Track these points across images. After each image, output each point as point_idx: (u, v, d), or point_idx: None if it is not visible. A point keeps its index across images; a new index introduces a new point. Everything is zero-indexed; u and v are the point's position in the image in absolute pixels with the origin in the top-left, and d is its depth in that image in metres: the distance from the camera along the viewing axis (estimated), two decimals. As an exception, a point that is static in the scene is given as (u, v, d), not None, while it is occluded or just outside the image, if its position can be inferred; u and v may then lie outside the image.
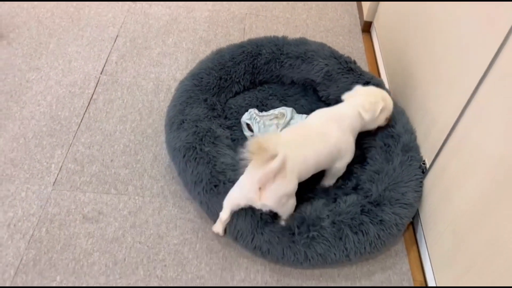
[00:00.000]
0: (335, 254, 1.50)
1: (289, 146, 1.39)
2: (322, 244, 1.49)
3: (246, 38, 2.52)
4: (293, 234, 1.50)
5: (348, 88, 1.89)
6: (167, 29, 2.53)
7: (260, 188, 1.36)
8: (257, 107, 1.92)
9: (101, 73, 2.24)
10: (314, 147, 1.52)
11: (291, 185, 1.42)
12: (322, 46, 2.05)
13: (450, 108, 1.50)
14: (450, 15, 1.57)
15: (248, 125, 1.82)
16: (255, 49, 2.02)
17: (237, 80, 1.97)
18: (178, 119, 1.76)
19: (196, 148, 1.67)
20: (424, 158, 1.69)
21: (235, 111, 1.91)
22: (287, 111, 1.84)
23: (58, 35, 2.43)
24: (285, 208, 1.46)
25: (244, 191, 1.42)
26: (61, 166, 1.84)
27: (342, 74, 1.93)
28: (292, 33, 2.60)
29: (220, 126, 1.80)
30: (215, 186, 1.56)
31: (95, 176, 1.82)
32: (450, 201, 1.46)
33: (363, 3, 2.68)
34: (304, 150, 1.49)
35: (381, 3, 2.46)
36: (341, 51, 2.46)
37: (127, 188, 1.79)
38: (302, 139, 1.53)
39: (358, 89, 1.73)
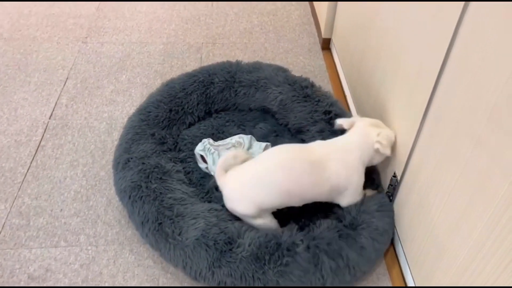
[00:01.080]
0: (311, 282, 1.35)
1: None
2: (296, 272, 1.34)
3: (203, 64, 2.42)
4: (264, 263, 1.35)
5: (307, 117, 1.79)
6: (120, 66, 2.43)
7: None
8: (212, 135, 1.80)
9: (49, 118, 2.10)
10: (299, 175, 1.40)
11: (244, 210, 1.41)
12: (276, 71, 1.95)
13: (409, 117, 1.40)
14: (401, 22, 1.49)
15: (202, 156, 1.69)
16: (207, 78, 1.91)
17: (190, 111, 1.85)
18: (123, 158, 1.63)
19: (141, 186, 1.53)
20: (394, 170, 1.57)
21: (189, 142, 1.78)
22: (244, 139, 1.72)
23: (3, 83, 2.30)
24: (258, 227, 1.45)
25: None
26: (4, 223, 1.67)
27: (298, 102, 1.83)
28: (251, 58, 2.52)
29: (171, 160, 1.67)
30: (160, 224, 1.42)
31: (42, 229, 1.65)
32: (425, 212, 1.33)
33: (321, 21, 2.63)
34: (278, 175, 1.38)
35: (337, 17, 2.40)
36: (302, 71, 2.41)
37: (78, 239, 1.63)
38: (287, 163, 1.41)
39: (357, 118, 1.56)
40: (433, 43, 1.25)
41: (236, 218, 1.51)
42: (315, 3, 2.79)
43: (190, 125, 1.87)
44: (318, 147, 1.48)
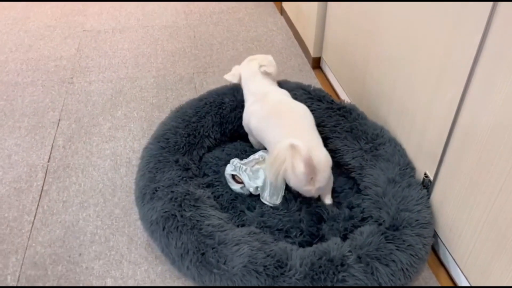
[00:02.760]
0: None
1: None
2: (354, 285, 1.29)
3: (199, 93, 2.39)
4: (321, 284, 1.28)
5: (322, 115, 1.80)
6: (113, 103, 2.35)
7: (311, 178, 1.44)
8: (237, 156, 1.74)
9: (48, 161, 1.98)
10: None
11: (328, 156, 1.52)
12: (285, 81, 1.96)
13: (439, 117, 1.42)
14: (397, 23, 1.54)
15: (233, 177, 1.63)
16: (217, 98, 1.88)
17: (206, 134, 1.80)
18: (150, 188, 1.54)
19: (176, 216, 1.45)
20: (425, 170, 1.58)
21: (214, 165, 1.72)
22: (264, 153, 1.68)
23: (-9, 131, 2.16)
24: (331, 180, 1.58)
25: (300, 186, 1.48)
26: (19, 276, 1.52)
27: (312, 103, 1.84)
28: (245, 83, 2.51)
29: (199, 186, 1.60)
30: (202, 254, 1.33)
31: (63, 278, 1.52)
32: (470, 206, 1.33)
33: (308, 42, 2.68)
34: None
35: (326, 36, 2.45)
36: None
37: (105, 282, 1.50)
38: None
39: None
40: (463, 34, 1.28)
41: (276, 238, 1.45)
42: (299, 26, 2.85)
43: (209, 148, 1.81)
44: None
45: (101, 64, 2.68)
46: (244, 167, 1.61)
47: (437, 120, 1.45)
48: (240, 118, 1.88)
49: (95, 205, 1.78)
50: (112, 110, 2.30)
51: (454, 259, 1.46)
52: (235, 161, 1.65)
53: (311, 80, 2.55)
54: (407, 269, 1.34)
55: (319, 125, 1.83)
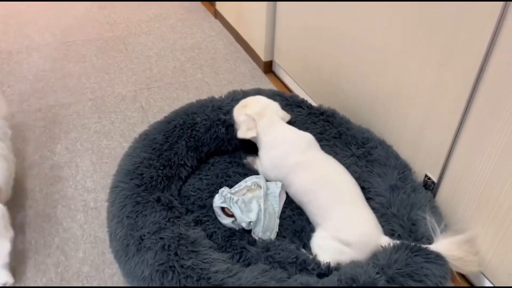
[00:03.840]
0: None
1: None
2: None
3: (149, 116, 2.13)
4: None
5: (306, 122, 1.67)
6: (49, 136, 1.99)
7: None
8: (221, 184, 1.53)
9: (-19, 219, 1.60)
10: None
11: None
12: (259, 90, 1.80)
13: (442, 117, 1.35)
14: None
15: (223, 209, 1.42)
16: (187, 119, 1.65)
17: (182, 162, 1.56)
18: (133, 237, 1.28)
19: (175, 267, 1.21)
20: (425, 172, 1.50)
21: (197, 198, 1.49)
22: (261, 180, 1.49)
23: None
24: None
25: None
26: None
27: (292, 110, 1.73)
28: (197, 96, 2.29)
29: (189, 226, 1.37)
30: (217, 308, 1.13)
31: None
32: (487, 200, 1.27)
33: (256, 45, 2.52)
34: None
35: (278, 38, 2.32)
36: None
37: None
38: None
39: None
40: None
41: (290, 274, 1.29)
42: (242, 29, 2.68)
43: (186, 178, 1.57)
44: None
45: (22, 90, 2.28)
46: (235, 198, 1.41)
47: (441, 117, 1.38)
48: (217, 138, 1.68)
49: (55, 266, 1.46)
50: (49, 144, 1.94)
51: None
52: (224, 191, 1.44)
53: (266, 85, 2.40)
54: (440, 281, 1.25)
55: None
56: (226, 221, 1.41)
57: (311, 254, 1.37)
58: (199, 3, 3.25)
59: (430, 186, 1.49)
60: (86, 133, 2.02)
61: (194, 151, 1.63)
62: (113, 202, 1.41)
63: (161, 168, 1.49)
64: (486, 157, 1.25)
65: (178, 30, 2.90)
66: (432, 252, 1.29)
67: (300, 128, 1.67)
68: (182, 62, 2.57)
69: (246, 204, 1.42)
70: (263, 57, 2.45)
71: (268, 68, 2.49)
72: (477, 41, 1.19)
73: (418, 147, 1.52)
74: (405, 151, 1.57)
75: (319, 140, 1.67)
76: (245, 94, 1.78)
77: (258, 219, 1.40)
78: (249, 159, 1.67)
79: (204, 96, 2.26)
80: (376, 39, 1.59)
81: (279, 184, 1.52)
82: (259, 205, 1.43)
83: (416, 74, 1.44)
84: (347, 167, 1.59)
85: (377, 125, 1.69)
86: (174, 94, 2.30)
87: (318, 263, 1.35)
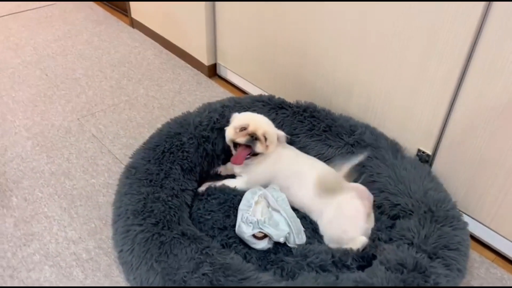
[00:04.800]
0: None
1: None
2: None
3: (106, 144, 1.93)
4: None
5: (293, 122, 1.68)
6: (-5, 190, 1.70)
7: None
8: (230, 201, 1.45)
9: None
10: None
11: None
12: (240, 98, 1.75)
13: (434, 91, 1.45)
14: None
15: (253, 235, 1.35)
16: (174, 141, 1.55)
17: (183, 187, 1.46)
18: (174, 282, 1.17)
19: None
20: (418, 147, 1.60)
21: (215, 221, 1.40)
22: (263, 190, 1.45)
23: None
24: None
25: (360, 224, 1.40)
26: None
27: (276, 112, 1.72)
28: (150, 112, 2.14)
29: (222, 253, 1.28)
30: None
31: None
32: (488, 161, 1.41)
33: (196, 50, 2.42)
34: None
35: (221, 40, 2.25)
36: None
37: None
38: None
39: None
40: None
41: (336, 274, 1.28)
42: (172, 36, 2.54)
43: (192, 204, 1.46)
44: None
45: None
46: (262, 220, 1.35)
47: (430, 91, 1.47)
48: (207, 155, 1.59)
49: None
50: (1, 200, 1.65)
51: (477, 220, 1.53)
52: (247, 217, 1.35)
53: (215, 90, 2.32)
54: (468, 244, 1.35)
55: (293, 134, 1.68)
56: (262, 245, 1.36)
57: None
58: (107, 14, 3.01)
59: (425, 159, 1.59)
60: (40, 177, 1.76)
61: (190, 173, 1.52)
62: (131, 250, 1.26)
63: (169, 199, 1.36)
64: (484, 122, 1.37)
65: (97, 45, 2.65)
66: (453, 218, 1.38)
67: (289, 128, 1.67)
68: (117, 79, 2.36)
69: (271, 219, 1.37)
70: (206, 61, 2.36)
71: (212, 72, 2.41)
72: None
73: (407, 124, 1.60)
74: (393, 130, 1.65)
75: (310, 136, 1.68)
76: (222, 105, 1.70)
77: (289, 227, 1.37)
78: (222, 168, 1.64)
79: (157, 112, 2.13)
80: (354, 22, 1.62)
81: (276, 187, 1.50)
82: (282, 215, 1.39)
83: (399, 53, 1.51)
84: (345, 156, 1.63)
85: (358, 111, 1.74)
86: (123, 115, 2.11)
87: (353, 257, 1.37)
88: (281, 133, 1.54)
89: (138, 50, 2.62)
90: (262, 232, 1.35)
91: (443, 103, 1.45)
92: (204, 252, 1.24)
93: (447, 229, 1.35)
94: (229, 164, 1.66)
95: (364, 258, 1.37)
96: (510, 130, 1.32)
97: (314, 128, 1.68)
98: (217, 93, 2.31)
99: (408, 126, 1.60)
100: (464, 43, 1.32)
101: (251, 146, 1.46)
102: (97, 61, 2.50)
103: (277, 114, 1.69)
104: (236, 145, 1.50)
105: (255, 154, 1.49)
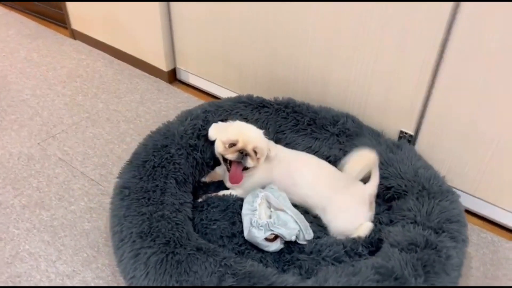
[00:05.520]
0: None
1: None
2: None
3: (77, 166, 1.80)
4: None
5: (278, 120, 1.69)
6: (-39, 234, 1.52)
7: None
8: (232, 206, 1.42)
9: None
10: None
11: None
12: (223, 101, 1.70)
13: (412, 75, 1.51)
14: None
15: (267, 238, 1.33)
16: (162, 154, 1.48)
17: (181, 201, 1.39)
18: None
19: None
20: (399, 129, 1.66)
21: (222, 230, 1.35)
22: (263, 192, 1.43)
23: None
24: None
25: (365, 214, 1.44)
26: None
27: (259, 112, 1.70)
28: (116, 129, 2.02)
29: (240, 262, 1.24)
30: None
31: None
32: (471, 133, 1.49)
33: (152, 57, 2.32)
34: None
35: (179, 43, 2.18)
36: (173, 111, 2.12)
37: None
38: None
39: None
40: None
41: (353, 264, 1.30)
42: (122, 44, 2.42)
43: (190, 219, 1.40)
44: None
45: None
46: (272, 221, 1.33)
47: (409, 76, 1.53)
48: (197, 164, 1.54)
49: None
50: (-29, 244, 1.49)
51: (462, 191, 1.62)
52: (255, 221, 1.33)
53: (179, 96, 2.25)
54: (464, 214, 1.42)
55: (278, 131, 1.67)
56: (275, 246, 1.34)
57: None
58: (41, 27, 2.79)
59: (408, 140, 1.65)
60: (12, 212, 1.60)
61: (184, 185, 1.47)
62: (145, 274, 1.18)
63: (173, 215, 1.30)
64: (465, 98, 1.45)
65: (38, 62, 2.46)
66: (448, 192, 1.45)
67: (274, 126, 1.66)
68: (71, 96, 2.21)
69: (279, 220, 1.35)
70: (165, 67, 2.28)
71: (172, 77, 2.33)
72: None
73: (387, 109, 1.65)
74: (373, 116, 1.70)
75: (296, 131, 1.68)
76: (204, 110, 1.65)
77: (298, 225, 1.36)
78: (207, 177, 1.61)
79: (123, 125, 2.02)
80: (325, 12, 1.63)
81: (274, 186, 1.48)
82: (288, 213, 1.38)
83: (374, 37, 1.54)
84: (331, 146, 1.65)
85: (336, 100, 1.77)
86: (87, 133, 1.98)
87: (362, 244, 1.39)
88: (272, 144, 1.50)
89: (86, 63, 2.47)
90: (273, 234, 1.33)
91: (423, 83, 1.51)
92: (223, 264, 1.20)
93: (445, 204, 1.41)
94: (217, 169, 1.62)
95: (372, 244, 1.41)
96: (491, 103, 1.41)
97: (298, 123, 1.68)
98: (181, 99, 2.23)
99: (389, 110, 1.65)
100: (442, 20, 1.37)
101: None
102: (43, 79, 2.32)
103: (260, 113, 1.67)
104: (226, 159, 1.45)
105: (246, 168, 1.45)
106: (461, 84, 1.44)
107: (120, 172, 1.46)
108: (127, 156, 1.52)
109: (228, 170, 1.43)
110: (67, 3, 2.51)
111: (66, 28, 2.68)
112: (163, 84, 2.33)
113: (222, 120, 1.62)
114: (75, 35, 2.65)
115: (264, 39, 1.82)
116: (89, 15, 2.45)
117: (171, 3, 2.07)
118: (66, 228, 1.55)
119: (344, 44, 1.62)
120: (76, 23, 2.59)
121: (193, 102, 2.21)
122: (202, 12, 1.96)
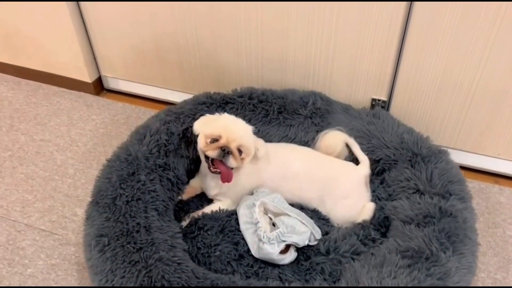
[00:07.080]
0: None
1: None
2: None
3: (15, 217, 1.50)
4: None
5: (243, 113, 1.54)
6: None
7: None
8: (232, 216, 1.25)
9: None
10: None
11: None
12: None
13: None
14: None
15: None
16: (146, 162, 1.26)
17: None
18: None
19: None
20: (371, 96, 1.59)
21: (226, 259, 1.18)
22: (260, 198, 1.27)
23: None
24: None
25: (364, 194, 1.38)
26: None
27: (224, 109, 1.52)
28: (51, 159, 1.72)
29: (246, 273, 1.10)
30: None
31: None
32: (447, 85, 1.47)
33: (68, 69, 1.99)
34: None
35: (98, 50, 1.88)
36: (112, 126, 1.89)
37: None
38: None
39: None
40: None
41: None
42: (33, 62, 2.05)
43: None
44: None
45: None
46: (281, 231, 1.18)
47: (376, 41, 1.45)
48: (173, 185, 1.35)
49: None
50: None
51: (442, 146, 1.60)
52: (264, 236, 1.17)
53: (113, 107, 1.97)
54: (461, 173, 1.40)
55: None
56: (290, 258, 1.21)
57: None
58: None
59: (382, 106, 1.58)
60: None
61: (165, 213, 1.27)
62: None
63: (171, 255, 1.11)
64: (436, 54, 1.40)
65: None
66: (440, 153, 1.40)
67: (244, 120, 1.49)
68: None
69: (287, 227, 1.21)
70: (89, 78, 1.97)
71: (98, 88, 2.03)
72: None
73: (354, 80, 1.57)
74: (340, 90, 1.60)
75: (268, 122, 1.55)
76: (163, 122, 1.42)
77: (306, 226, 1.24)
78: (184, 194, 1.42)
79: (59, 156, 1.74)
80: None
81: (265, 189, 1.34)
82: (292, 216, 1.25)
83: (335, 6, 1.42)
84: (308, 130, 1.53)
85: (298, 81, 1.64)
86: (18, 175, 1.65)
87: (373, 228, 1.31)
88: (261, 142, 1.34)
89: (-9, 90, 2.06)
90: (286, 244, 1.19)
91: (391, 47, 1.43)
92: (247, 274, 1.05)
93: (442, 165, 1.37)
94: (191, 182, 1.43)
95: (381, 224, 1.33)
96: (462, 54, 1.37)
97: (268, 113, 1.53)
98: (116, 110, 1.96)
99: (357, 80, 1.57)
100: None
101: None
102: None
103: (225, 110, 1.48)
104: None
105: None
106: (431, 37, 1.38)
107: (87, 217, 1.20)
108: (78, 192, 1.27)
109: (209, 169, 1.25)
110: None
111: None
112: (90, 98, 2.02)
113: (186, 129, 1.41)
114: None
115: (201, 25, 1.61)
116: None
117: (82, 3, 1.76)
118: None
119: (297, 23, 1.48)
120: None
121: (131, 111, 1.95)
122: (120, 8, 1.69)
